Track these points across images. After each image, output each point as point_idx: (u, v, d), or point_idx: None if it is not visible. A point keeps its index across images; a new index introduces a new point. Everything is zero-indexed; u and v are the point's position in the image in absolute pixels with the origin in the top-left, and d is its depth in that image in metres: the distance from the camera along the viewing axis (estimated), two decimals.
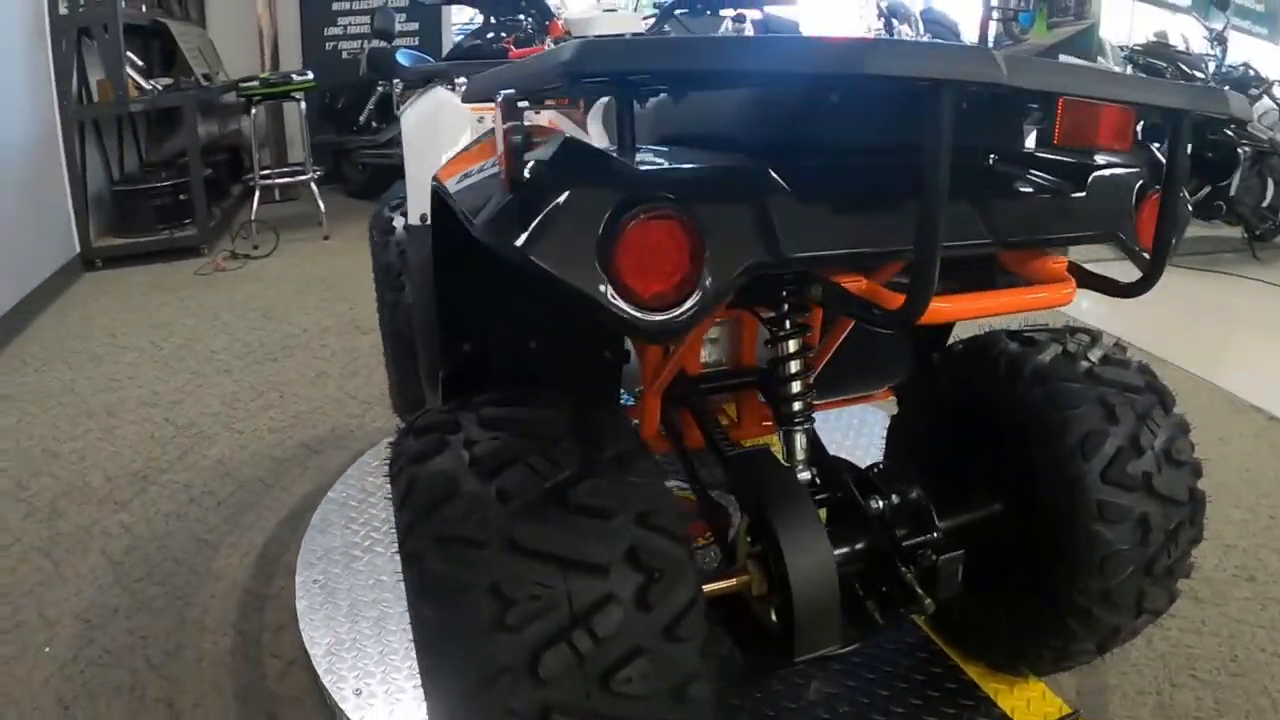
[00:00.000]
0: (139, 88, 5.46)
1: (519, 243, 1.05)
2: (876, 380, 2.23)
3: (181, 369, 3.91)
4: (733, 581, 1.51)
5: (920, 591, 1.56)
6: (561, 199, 1.05)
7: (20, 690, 1.98)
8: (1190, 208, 1.64)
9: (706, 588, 1.53)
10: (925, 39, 6.52)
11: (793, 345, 1.71)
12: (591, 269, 1.05)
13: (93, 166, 5.56)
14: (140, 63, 5.71)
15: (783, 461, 1.72)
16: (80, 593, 2.32)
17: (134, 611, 2.24)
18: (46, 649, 2.11)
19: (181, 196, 5.79)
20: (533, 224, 1.05)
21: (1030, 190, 1.42)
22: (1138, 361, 1.73)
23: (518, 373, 1.89)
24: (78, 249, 5.30)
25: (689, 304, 1.08)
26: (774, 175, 1.19)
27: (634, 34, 2.63)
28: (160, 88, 5.75)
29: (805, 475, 1.71)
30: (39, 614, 2.24)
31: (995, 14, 6.61)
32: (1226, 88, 1.42)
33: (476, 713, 1.10)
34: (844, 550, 1.60)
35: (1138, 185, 1.46)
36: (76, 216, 5.26)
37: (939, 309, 1.15)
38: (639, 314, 1.06)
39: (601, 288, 1.05)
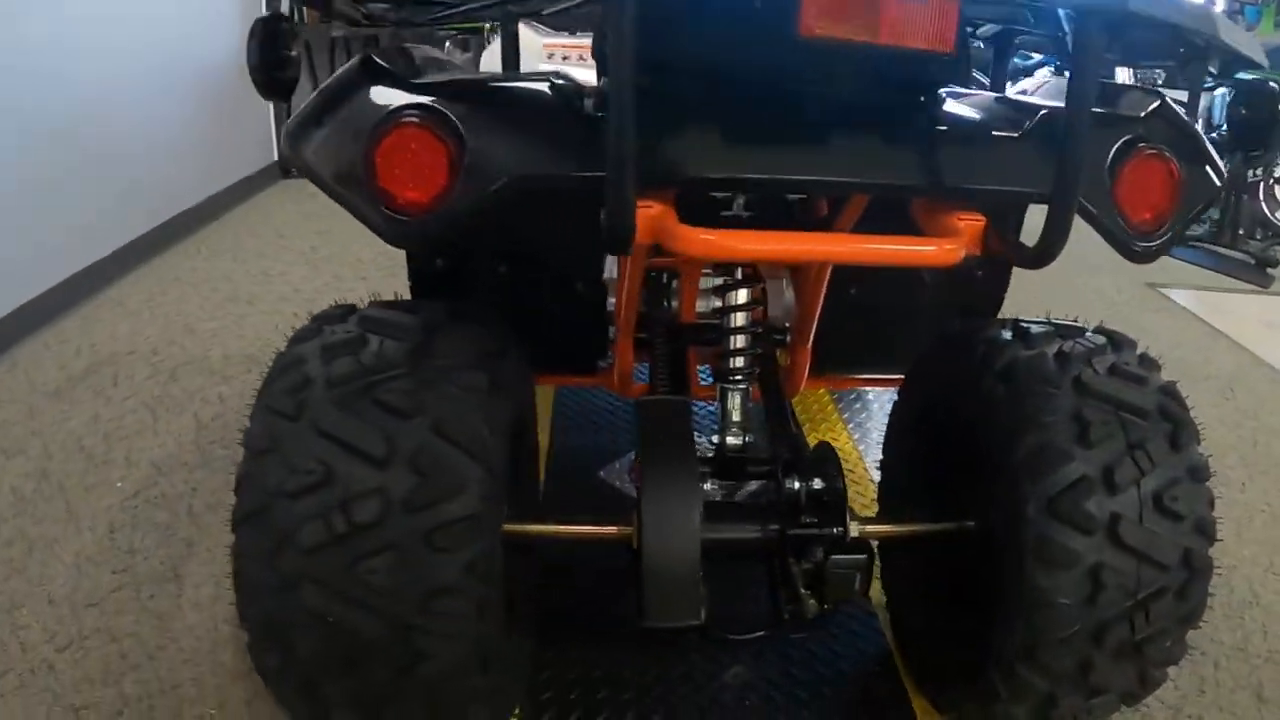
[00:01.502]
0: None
1: (297, 148, 1.18)
2: (895, 364, 2.09)
3: (327, 271, 4.32)
4: (614, 530, 1.48)
5: (804, 591, 1.46)
6: (339, 109, 1.18)
7: (85, 512, 2.35)
8: (1222, 175, 1.32)
9: (593, 529, 1.53)
10: None
11: (739, 296, 1.69)
12: (353, 172, 1.14)
13: (302, 84, 6.10)
14: None
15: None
16: (163, 445, 2.70)
17: (197, 467, 2.58)
18: (119, 484, 2.48)
19: None
20: (312, 131, 1.18)
21: (947, 133, 1.27)
22: (1164, 382, 1.43)
23: (491, 296, 1.99)
24: (275, 157, 5.88)
25: (437, 211, 1.14)
26: (562, 95, 1.20)
27: None
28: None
29: (735, 440, 1.68)
30: (125, 456, 2.62)
31: (1219, 5, 6.03)
32: None
33: (253, 560, 1.24)
34: (737, 527, 1.52)
35: (1119, 140, 1.25)
36: (277, 126, 5.81)
37: (692, 240, 1.13)
38: (391, 216, 1.14)
39: (360, 190, 1.14)
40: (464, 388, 1.29)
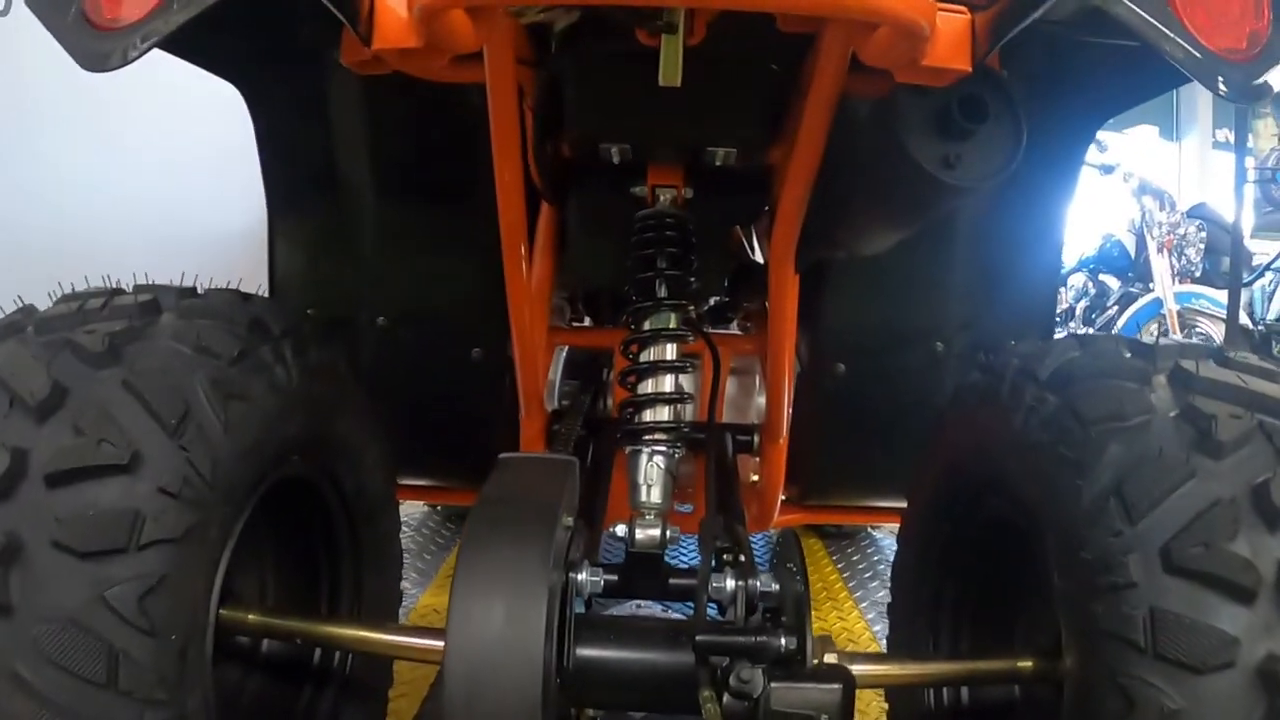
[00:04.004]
0: None
1: None
2: (903, 486, 1.51)
3: None
4: (429, 643, 1.08)
5: None
6: None
7: None
8: None
9: (401, 639, 1.17)
10: (1191, 229, 5.72)
11: (647, 325, 1.32)
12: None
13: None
14: None
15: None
16: None
17: None
18: None
19: None
20: None
21: None
22: None
23: (366, 359, 1.61)
24: None
25: (149, 23, 0.87)
26: None
27: None
28: None
29: (648, 532, 1.18)
30: None
31: (1252, 175, 5.97)
32: None
33: None
34: (627, 645, 1.03)
35: None
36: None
37: None
38: (97, 33, 0.89)
39: (66, 11, 0.89)
40: (195, 347, 0.97)
